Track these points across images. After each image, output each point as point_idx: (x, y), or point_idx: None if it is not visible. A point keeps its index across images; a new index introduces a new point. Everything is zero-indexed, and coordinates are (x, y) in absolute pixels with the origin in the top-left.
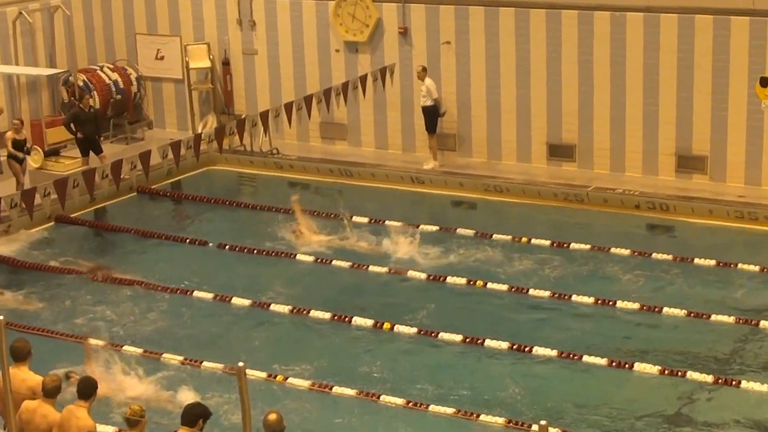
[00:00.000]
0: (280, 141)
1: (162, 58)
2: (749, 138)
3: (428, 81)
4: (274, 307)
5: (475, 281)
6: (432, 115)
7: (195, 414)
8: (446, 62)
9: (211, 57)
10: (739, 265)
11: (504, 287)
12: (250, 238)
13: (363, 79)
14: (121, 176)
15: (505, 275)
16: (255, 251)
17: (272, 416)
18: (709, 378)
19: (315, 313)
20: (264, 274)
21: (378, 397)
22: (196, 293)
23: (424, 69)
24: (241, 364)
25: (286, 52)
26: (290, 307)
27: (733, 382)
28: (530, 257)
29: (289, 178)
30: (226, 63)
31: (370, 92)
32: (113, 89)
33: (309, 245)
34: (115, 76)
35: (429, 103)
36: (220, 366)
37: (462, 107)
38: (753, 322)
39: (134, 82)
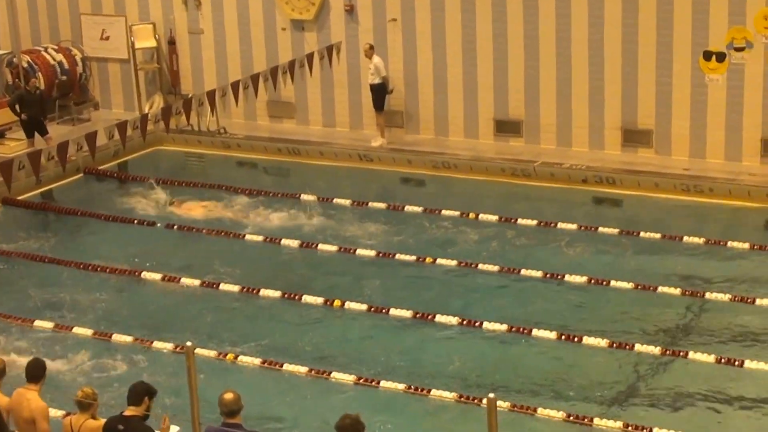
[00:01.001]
0: (227, 120)
1: (107, 38)
2: (693, 112)
3: (376, 59)
4: (223, 286)
5: (424, 257)
6: (380, 92)
7: (139, 393)
8: (393, 39)
9: (156, 37)
10: (685, 238)
11: (453, 263)
12: (199, 218)
13: (310, 58)
14: (68, 157)
15: (453, 251)
16: (204, 231)
17: (228, 395)
18: (657, 350)
19: (265, 292)
20: (213, 254)
21: (329, 374)
22: (145, 274)
23: (372, 47)
24: (189, 343)
25: (232, 31)
26: (240, 287)
27: (681, 353)
28: (478, 232)
29: (236, 157)
30: (171, 42)
31: (317, 70)
32: (58, 70)
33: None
34: (59, 56)
35: (377, 80)
36: (170, 346)
37: (409, 84)
38: (699, 294)
39: (79, 63)
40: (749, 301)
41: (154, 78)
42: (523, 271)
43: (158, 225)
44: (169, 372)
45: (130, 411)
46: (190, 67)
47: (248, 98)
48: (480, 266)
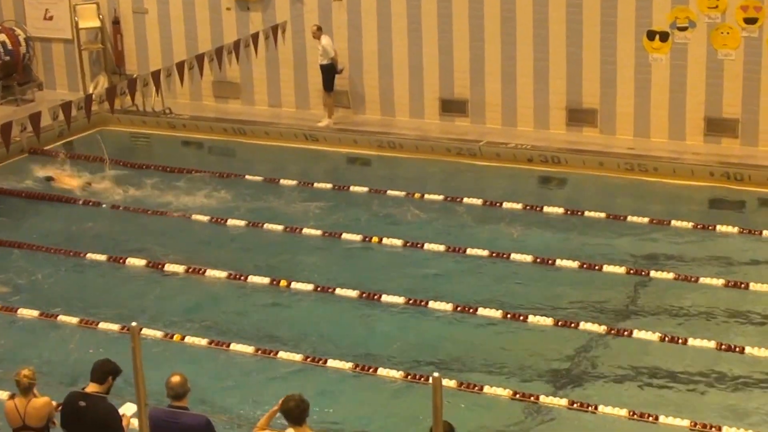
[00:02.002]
0: (173, 100)
1: (51, 18)
2: (637, 91)
3: (324, 39)
4: (168, 266)
5: (370, 237)
6: (329, 73)
7: (105, 371)
8: (338, 19)
9: (100, 16)
10: (629, 217)
11: (399, 242)
12: (145, 198)
13: (255, 38)
14: (12, 138)
15: (399, 230)
16: (149, 211)
17: (175, 378)
18: (602, 328)
19: (210, 272)
20: (158, 234)
21: (276, 354)
22: (90, 255)
23: (319, 28)
24: (134, 324)
25: (177, 11)
26: (185, 267)
27: (625, 332)
28: (424, 212)
29: (182, 137)
30: (116, 22)
31: (262, 50)
32: (1, 50)
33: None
34: (2, 37)
35: (326, 61)
36: (116, 326)
37: (354, 64)
38: (644, 273)
39: (23, 43)
40: (693, 279)
41: (98, 58)
42: (469, 251)
43: (104, 206)
44: (114, 353)
45: (92, 387)
46: (134, 47)
47: (193, 78)
48: (426, 246)
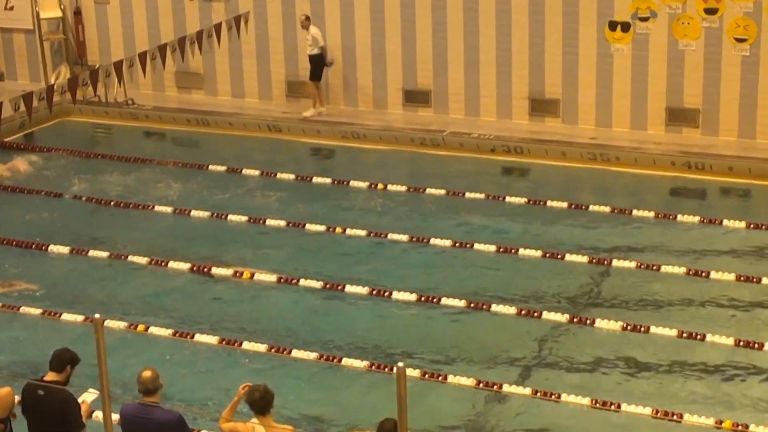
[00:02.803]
0: (135, 91)
1: (11, 8)
2: (599, 81)
3: (313, 29)
4: (132, 258)
5: (334, 227)
6: (318, 63)
7: (63, 360)
8: (301, 9)
9: (62, 6)
10: (591, 206)
11: (362, 232)
12: (107, 190)
13: (218, 28)
14: None
15: (363, 221)
16: (112, 203)
17: (146, 373)
18: (565, 317)
19: (173, 264)
20: (121, 226)
21: (240, 344)
22: (52, 247)
23: (308, 18)
24: (97, 315)
25: (139, 1)
26: (148, 259)
27: (588, 321)
28: (388, 202)
29: (145, 128)
30: (77, 12)
31: (225, 41)
32: None
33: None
34: None
35: (315, 51)
36: (80, 318)
37: None
38: (606, 262)
39: None
40: (655, 268)
41: (59, 48)
42: (433, 240)
43: (66, 196)
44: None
45: (51, 376)
46: (96, 38)
47: (156, 69)
48: (389, 236)
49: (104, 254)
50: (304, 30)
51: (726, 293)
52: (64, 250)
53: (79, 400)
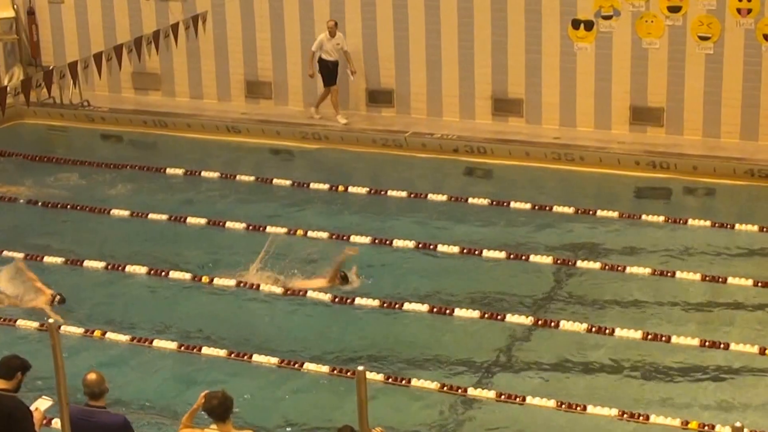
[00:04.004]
0: (91, 92)
1: None
2: (563, 80)
3: (339, 35)
4: (88, 263)
5: (295, 230)
6: (335, 69)
7: (13, 366)
8: (261, 11)
9: (15, 6)
10: (555, 207)
11: (324, 235)
12: (63, 193)
13: (175, 28)
14: None
15: (325, 223)
16: (68, 206)
17: (91, 376)
18: (529, 320)
19: (131, 268)
20: (77, 230)
21: (200, 350)
22: (6, 252)
23: (336, 24)
24: (51, 320)
25: (94, 1)
26: (105, 263)
27: (552, 323)
28: (350, 204)
29: (101, 130)
30: (31, 12)
31: (182, 41)
32: None
33: None
34: None
35: (333, 58)
36: (35, 324)
37: (277, 55)
38: (570, 262)
39: None
40: (619, 269)
41: (13, 49)
42: (396, 242)
43: (20, 201)
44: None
45: (1, 384)
46: (50, 38)
47: (112, 70)
48: (352, 238)
49: (59, 260)
50: (331, 36)
51: (691, 293)
52: (19, 255)
53: (32, 408)
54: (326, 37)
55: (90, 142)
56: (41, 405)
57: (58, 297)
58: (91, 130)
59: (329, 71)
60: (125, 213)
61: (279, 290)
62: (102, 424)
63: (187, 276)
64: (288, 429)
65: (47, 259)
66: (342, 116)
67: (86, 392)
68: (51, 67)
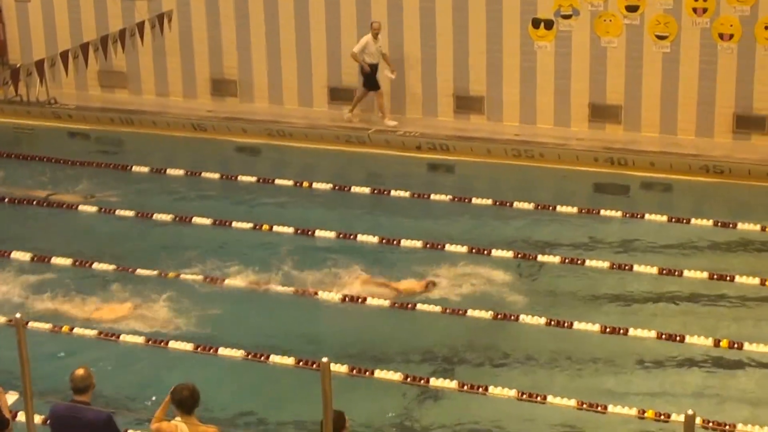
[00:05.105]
0: (58, 90)
1: None
2: (523, 78)
3: (379, 37)
4: (55, 260)
5: (261, 225)
6: (376, 71)
7: None
8: (224, 8)
9: None
10: (516, 203)
11: (290, 230)
12: (30, 191)
13: (141, 26)
14: None
15: (289, 218)
16: (35, 203)
17: (79, 371)
18: (489, 314)
19: (98, 265)
20: (44, 227)
21: (166, 344)
22: None
23: (380, 25)
24: (18, 315)
25: (61, 0)
26: (72, 260)
27: (512, 317)
28: (314, 200)
29: (68, 128)
30: None
31: (148, 39)
32: None
33: None
34: None
35: (375, 60)
36: (2, 319)
37: (243, 53)
38: (530, 257)
39: None
40: (579, 262)
41: None
42: (360, 237)
43: None
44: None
45: None
46: (17, 36)
47: (78, 68)
48: (316, 233)
49: (27, 256)
50: (375, 39)
51: (648, 286)
52: None
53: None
54: (371, 39)
55: (57, 140)
56: (8, 397)
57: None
58: (59, 128)
59: (372, 74)
60: (93, 209)
61: (243, 284)
62: (87, 420)
63: (154, 272)
64: (252, 419)
65: (14, 255)
66: (390, 119)
67: (72, 387)
68: (18, 65)
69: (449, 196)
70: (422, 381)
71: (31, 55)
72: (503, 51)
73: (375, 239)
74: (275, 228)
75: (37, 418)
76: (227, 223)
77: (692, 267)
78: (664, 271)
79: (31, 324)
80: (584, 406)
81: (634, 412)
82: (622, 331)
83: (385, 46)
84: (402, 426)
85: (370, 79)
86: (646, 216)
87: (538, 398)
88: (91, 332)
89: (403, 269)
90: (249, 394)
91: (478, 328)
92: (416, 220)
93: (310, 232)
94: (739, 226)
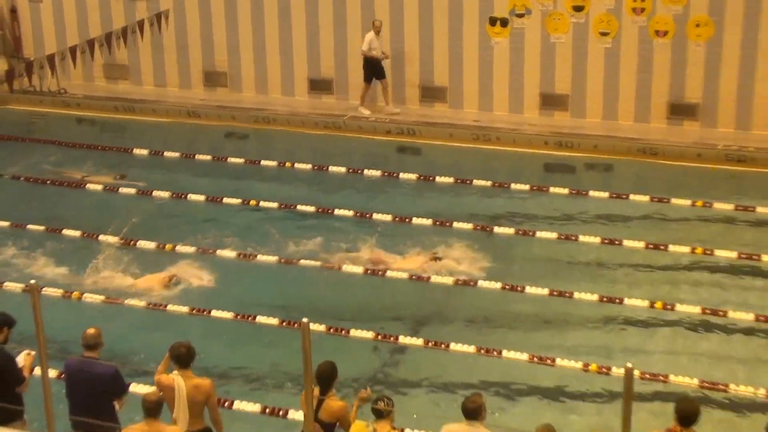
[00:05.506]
0: (67, 81)
1: None
2: (481, 70)
3: (381, 34)
4: (66, 231)
5: (248, 200)
6: (380, 64)
7: None
8: (215, 8)
9: None
10: (475, 181)
11: (275, 205)
12: (43, 170)
13: (141, 24)
14: None
15: (275, 195)
16: (48, 182)
17: (90, 330)
18: (451, 280)
19: (103, 237)
20: (56, 203)
21: (165, 307)
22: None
23: (381, 24)
24: (32, 281)
25: (70, 0)
26: (80, 232)
27: (471, 282)
28: (296, 180)
29: (76, 115)
30: (13, 10)
31: (147, 35)
32: None
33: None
34: None
35: (379, 54)
36: (20, 285)
37: (232, 48)
38: (488, 228)
39: None
40: (531, 234)
41: None
42: (336, 211)
43: (5, 177)
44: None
45: None
46: (31, 34)
47: (85, 61)
48: (297, 207)
49: (41, 227)
50: (377, 35)
51: (591, 254)
52: (5, 224)
53: (20, 358)
54: (374, 36)
55: (67, 125)
56: (27, 355)
57: (173, 277)
58: (68, 115)
59: (376, 68)
60: (98, 188)
61: (233, 255)
62: (96, 373)
63: (152, 245)
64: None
65: (30, 227)
66: (393, 105)
67: (83, 344)
68: (32, 59)
69: (416, 175)
70: (392, 339)
71: (43, 50)
72: (464, 46)
73: (350, 213)
74: (261, 203)
75: (53, 373)
76: (218, 200)
77: (631, 237)
78: (606, 241)
79: (45, 290)
80: (535, 359)
81: (579, 365)
82: (567, 294)
83: (357, 43)
84: (375, 378)
85: (377, 70)
86: (590, 192)
87: (495, 353)
88: (98, 298)
89: (376, 238)
90: (239, 352)
91: (441, 293)
92: (387, 196)
93: (292, 207)
94: (672, 201)
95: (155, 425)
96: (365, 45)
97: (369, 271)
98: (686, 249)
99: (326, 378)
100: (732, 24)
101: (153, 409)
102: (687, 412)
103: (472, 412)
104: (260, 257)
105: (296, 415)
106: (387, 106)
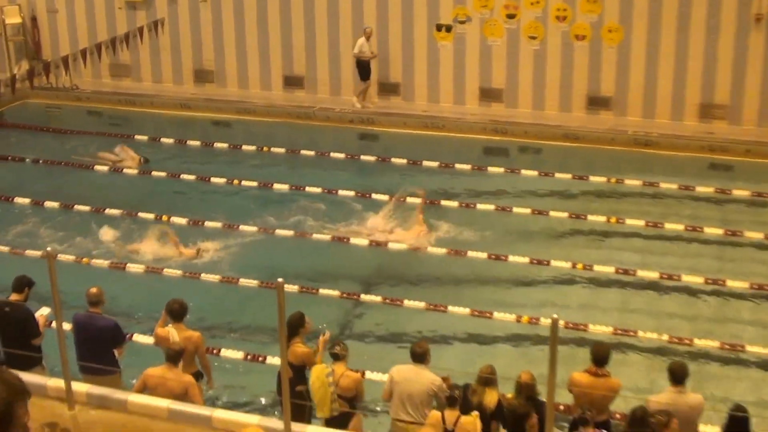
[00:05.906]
0: (79, 79)
1: None
2: (430, 69)
3: (371, 40)
4: (77, 207)
5: (232, 180)
6: (368, 65)
7: (22, 283)
8: (205, 16)
9: (22, 15)
10: (424, 162)
11: (254, 183)
12: (59, 155)
13: (141, 30)
14: None
15: (254, 174)
16: (62, 163)
17: (93, 289)
18: (403, 246)
19: (109, 211)
20: (70, 184)
21: (161, 270)
22: (16, 199)
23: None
24: (49, 248)
25: (81, 10)
26: (90, 207)
27: (421, 249)
28: (273, 164)
29: (86, 107)
30: (34, 19)
31: (146, 39)
32: None
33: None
34: None
35: (367, 56)
36: (38, 253)
37: (218, 49)
38: (435, 202)
39: None
40: (472, 206)
41: (20, 47)
42: (307, 188)
43: (27, 161)
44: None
45: (14, 297)
46: (48, 38)
47: (94, 62)
48: (274, 186)
49: (55, 204)
50: (367, 40)
51: (523, 224)
52: (26, 201)
53: (37, 314)
54: (364, 40)
55: (78, 116)
56: (43, 311)
57: (200, 250)
58: (79, 108)
59: (366, 68)
60: (105, 169)
61: (219, 225)
62: (100, 326)
63: (150, 215)
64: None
65: (47, 203)
66: (359, 102)
67: (87, 301)
68: (49, 61)
69: (374, 158)
70: (355, 296)
71: (59, 52)
72: (414, 48)
73: (319, 190)
74: (243, 183)
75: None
76: (207, 179)
77: (556, 209)
78: (536, 212)
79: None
80: (475, 313)
81: (513, 317)
82: (503, 257)
83: (326, 45)
84: (342, 334)
85: (365, 71)
86: (522, 172)
87: (441, 308)
88: (104, 263)
89: (342, 212)
90: (225, 308)
91: (397, 258)
92: (350, 175)
93: (269, 185)
94: (591, 178)
95: (174, 370)
96: (356, 48)
97: (334, 238)
98: (602, 218)
99: (293, 326)
100: (638, 30)
101: (173, 357)
102: (600, 354)
103: (419, 356)
104: (242, 228)
105: (274, 360)
106: (357, 99)
